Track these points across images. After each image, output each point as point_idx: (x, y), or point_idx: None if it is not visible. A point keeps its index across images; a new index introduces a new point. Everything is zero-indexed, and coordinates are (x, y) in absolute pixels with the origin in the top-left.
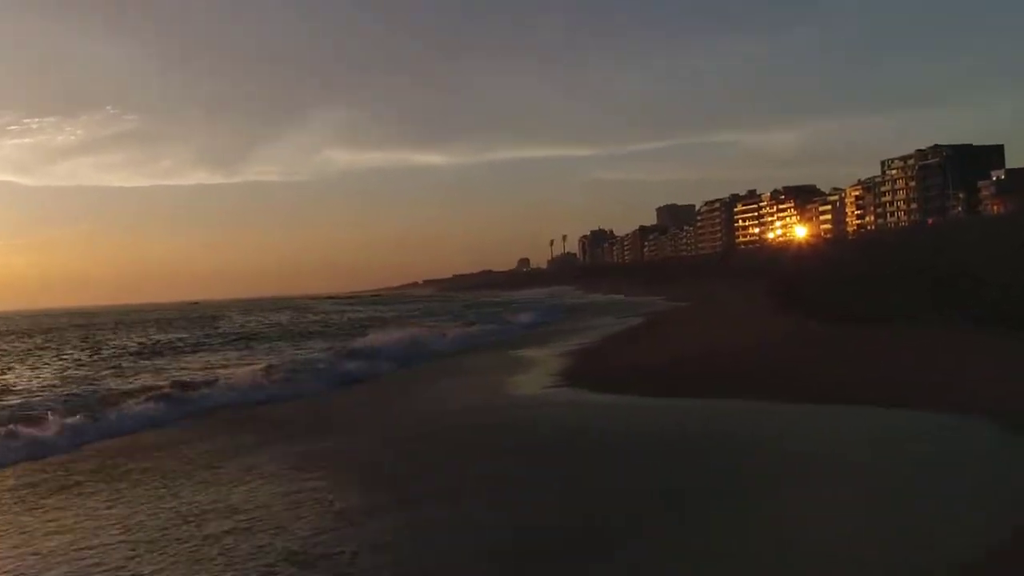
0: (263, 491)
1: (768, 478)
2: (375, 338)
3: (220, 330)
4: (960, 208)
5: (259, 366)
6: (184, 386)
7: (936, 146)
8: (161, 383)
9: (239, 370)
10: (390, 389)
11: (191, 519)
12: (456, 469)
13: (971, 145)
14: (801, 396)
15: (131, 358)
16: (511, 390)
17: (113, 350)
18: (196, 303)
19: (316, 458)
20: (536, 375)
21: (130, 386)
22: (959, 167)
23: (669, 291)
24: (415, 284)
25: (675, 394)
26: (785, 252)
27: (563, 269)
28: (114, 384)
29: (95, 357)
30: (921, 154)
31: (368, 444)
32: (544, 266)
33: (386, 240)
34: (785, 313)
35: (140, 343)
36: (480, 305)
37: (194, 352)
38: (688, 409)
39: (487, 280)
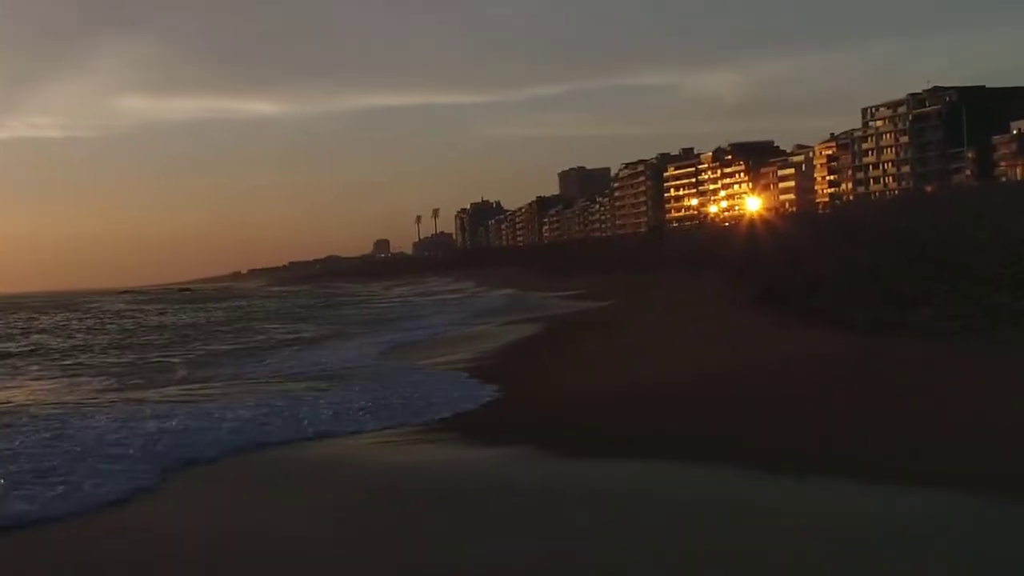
0: None
1: None
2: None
3: None
4: (969, 172)
5: None
6: None
7: (935, 89)
8: None
9: None
10: None
11: None
12: None
13: (983, 87)
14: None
15: None
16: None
17: None
18: None
19: None
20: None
21: None
22: (968, 116)
23: (580, 284)
24: (238, 275)
25: (583, 451)
26: (739, 231)
27: (435, 254)
28: None
29: None
30: (916, 100)
31: None
32: (409, 250)
33: (201, 217)
34: (758, 319)
35: None
36: (326, 305)
37: None
38: (600, 485)
39: (334, 268)
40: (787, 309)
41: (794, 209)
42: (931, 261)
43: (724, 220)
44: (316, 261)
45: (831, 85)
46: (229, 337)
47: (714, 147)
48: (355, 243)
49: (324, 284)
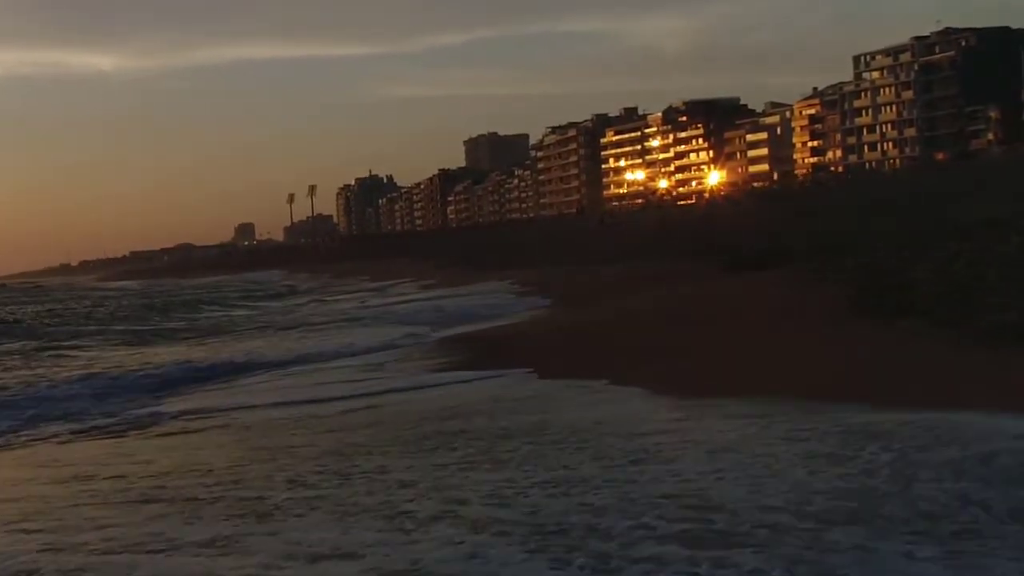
0: None
1: None
2: None
3: None
4: (992, 135)
5: None
6: None
7: (947, 31)
8: None
9: None
10: None
11: None
12: None
13: (1008, 29)
14: None
15: None
16: None
17: None
18: None
19: None
20: None
21: None
22: (988, 66)
23: (504, 278)
24: (67, 267)
25: None
26: (723, 210)
27: (315, 241)
28: None
29: None
30: (922, 45)
31: None
32: (280, 236)
33: (18, 197)
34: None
35: None
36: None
37: None
38: None
39: (186, 260)
40: (945, 327)
41: (774, 183)
42: None
43: (678, 198)
44: (165, 251)
45: (812, 28)
46: None
47: (664, 106)
48: (213, 229)
49: (170, 279)
